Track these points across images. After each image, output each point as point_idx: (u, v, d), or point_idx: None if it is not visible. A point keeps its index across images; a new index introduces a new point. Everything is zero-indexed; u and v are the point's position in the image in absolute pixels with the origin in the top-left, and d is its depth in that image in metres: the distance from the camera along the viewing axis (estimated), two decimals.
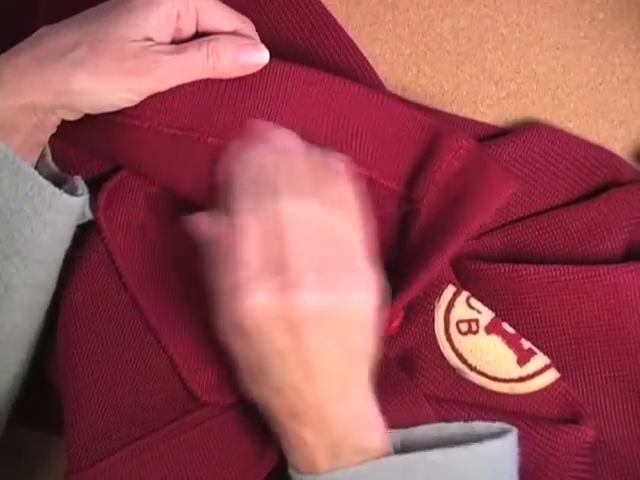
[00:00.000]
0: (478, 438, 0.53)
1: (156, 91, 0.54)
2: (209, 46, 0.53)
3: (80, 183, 0.56)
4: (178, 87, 0.54)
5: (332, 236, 0.51)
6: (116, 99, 0.53)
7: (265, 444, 0.55)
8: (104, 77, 0.52)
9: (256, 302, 0.48)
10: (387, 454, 0.51)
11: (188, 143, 0.55)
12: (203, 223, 0.52)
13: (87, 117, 0.54)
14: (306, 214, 0.51)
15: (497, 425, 0.54)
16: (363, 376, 0.52)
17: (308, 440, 0.51)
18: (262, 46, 0.55)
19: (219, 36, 0.54)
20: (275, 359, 0.50)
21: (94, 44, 0.52)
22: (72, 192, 0.55)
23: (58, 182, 0.55)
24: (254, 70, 0.55)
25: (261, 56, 0.55)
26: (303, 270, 0.49)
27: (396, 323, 0.58)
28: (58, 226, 0.54)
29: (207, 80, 0.54)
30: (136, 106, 0.54)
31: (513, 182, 0.55)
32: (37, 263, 0.54)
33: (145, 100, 0.53)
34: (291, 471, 0.53)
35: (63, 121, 0.55)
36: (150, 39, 0.53)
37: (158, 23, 0.53)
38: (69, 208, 0.54)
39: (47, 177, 0.54)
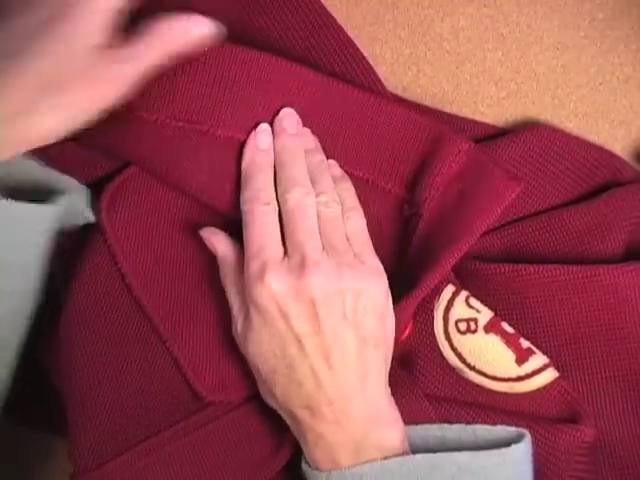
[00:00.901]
0: (484, 442, 0.53)
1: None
2: (161, 38, 0.50)
3: (71, 187, 0.56)
4: (186, 80, 0.54)
5: (342, 228, 0.54)
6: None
7: (272, 443, 0.55)
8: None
9: (277, 284, 0.51)
10: (406, 452, 0.52)
11: (195, 136, 0.55)
12: (217, 241, 0.55)
13: None
14: (319, 206, 0.53)
15: (499, 428, 0.54)
16: (379, 369, 0.53)
17: (329, 438, 0.51)
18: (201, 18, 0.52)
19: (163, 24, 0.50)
20: (294, 346, 0.51)
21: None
22: (52, 198, 0.53)
23: (45, 187, 0.54)
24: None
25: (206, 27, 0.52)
26: (319, 254, 0.51)
27: (407, 332, 0.58)
28: (20, 235, 0.52)
29: (212, 75, 0.54)
30: (143, 98, 0.53)
31: (515, 185, 0.55)
32: (4, 270, 0.53)
33: (152, 92, 0.53)
34: (308, 469, 0.53)
35: None
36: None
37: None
38: (32, 217, 0.52)
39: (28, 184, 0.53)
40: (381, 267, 0.54)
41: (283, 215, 0.53)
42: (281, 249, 0.52)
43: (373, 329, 0.52)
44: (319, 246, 0.52)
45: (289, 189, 0.53)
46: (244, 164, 0.55)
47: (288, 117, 0.56)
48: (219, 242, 0.55)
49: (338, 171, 0.57)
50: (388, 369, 0.54)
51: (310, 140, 0.56)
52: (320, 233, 0.53)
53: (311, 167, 0.55)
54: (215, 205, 0.56)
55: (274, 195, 0.54)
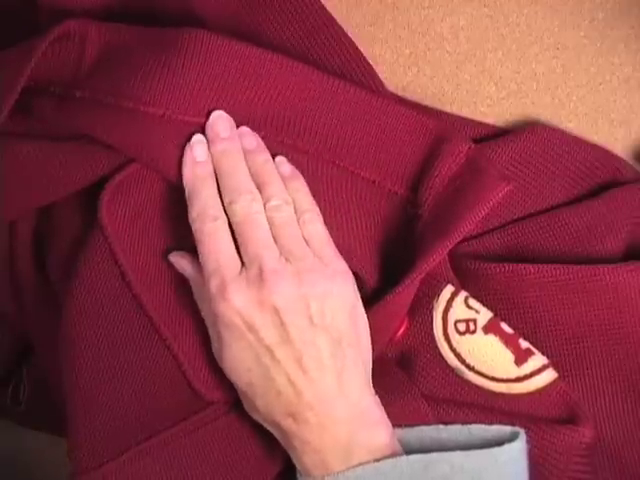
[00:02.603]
0: (480, 441, 0.53)
1: None
2: None
3: None
4: (190, 76, 0.54)
5: (297, 231, 0.53)
6: None
7: (275, 441, 0.55)
8: None
9: (238, 298, 0.50)
10: (396, 450, 0.52)
11: (199, 132, 0.55)
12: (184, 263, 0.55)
13: (93, 104, 0.54)
14: (270, 211, 0.53)
15: (494, 427, 0.54)
16: (357, 368, 0.52)
17: (316, 443, 0.51)
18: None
19: None
20: (266, 357, 0.51)
21: None
22: None
23: None
24: None
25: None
26: (276, 263, 0.51)
27: (401, 331, 0.58)
28: None
29: (215, 71, 0.54)
30: (150, 92, 0.53)
31: (504, 185, 0.55)
32: None
33: (157, 86, 0.53)
34: (301, 478, 0.53)
35: (68, 112, 0.55)
36: None
37: None
38: None
39: None
40: (345, 266, 0.54)
41: (234, 227, 0.52)
42: (237, 263, 0.52)
43: (344, 329, 0.52)
44: (275, 254, 0.52)
45: (234, 199, 0.52)
46: (185, 180, 0.54)
47: (219, 121, 0.54)
48: (187, 265, 0.55)
49: (287, 168, 0.55)
50: (369, 368, 0.54)
51: (251, 140, 0.55)
52: (275, 239, 0.52)
53: (256, 169, 0.54)
54: None
55: (221, 207, 0.53)
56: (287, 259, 0.52)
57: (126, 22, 0.57)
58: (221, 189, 0.53)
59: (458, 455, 0.51)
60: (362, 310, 0.54)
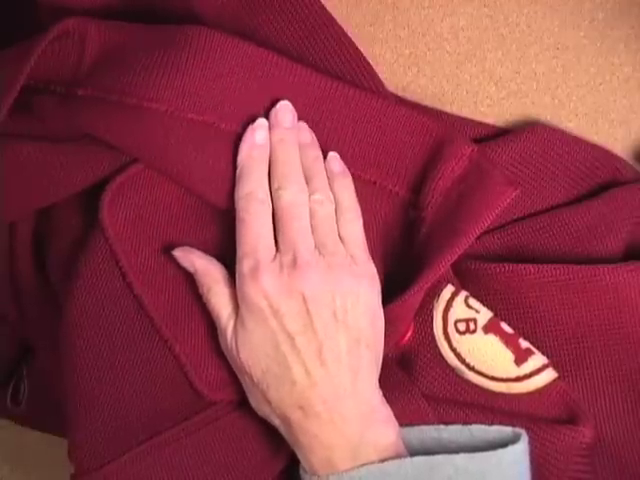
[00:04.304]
0: (481, 442, 0.53)
1: None
2: None
3: None
4: (194, 72, 0.54)
5: (334, 228, 0.54)
6: None
7: (275, 442, 0.55)
8: None
9: (268, 282, 0.51)
10: (401, 450, 0.52)
11: (202, 129, 0.55)
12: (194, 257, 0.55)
13: (96, 102, 0.54)
14: (313, 204, 0.54)
15: (495, 428, 0.54)
16: (371, 369, 0.53)
17: (324, 439, 0.51)
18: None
19: None
20: (286, 344, 0.52)
21: None
22: None
23: None
24: None
25: None
26: (310, 255, 0.52)
27: (407, 336, 0.58)
28: None
29: (217, 68, 0.54)
30: (153, 88, 0.53)
31: (511, 190, 0.55)
32: None
33: (161, 83, 0.53)
34: (305, 476, 0.53)
35: (70, 110, 0.55)
36: None
37: None
38: None
39: None
40: (374, 270, 0.55)
41: (276, 211, 0.53)
42: (273, 248, 0.53)
43: (365, 330, 0.53)
44: (311, 246, 0.53)
45: (283, 186, 0.54)
46: (240, 159, 0.55)
47: (284, 110, 0.56)
48: (196, 259, 0.55)
49: (338, 166, 0.56)
50: (379, 371, 0.54)
51: (307, 135, 0.56)
52: (313, 232, 0.53)
53: (306, 163, 0.55)
54: (217, 202, 0.56)
55: (269, 192, 0.54)
56: (321, 252, 0.53)
57: (126, 22, 0.57)
58: (272, 174, 0.54)
59: (462, 458, 0.51)
60: (382, 315, 0.54)
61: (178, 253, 0.55)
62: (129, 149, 0.55)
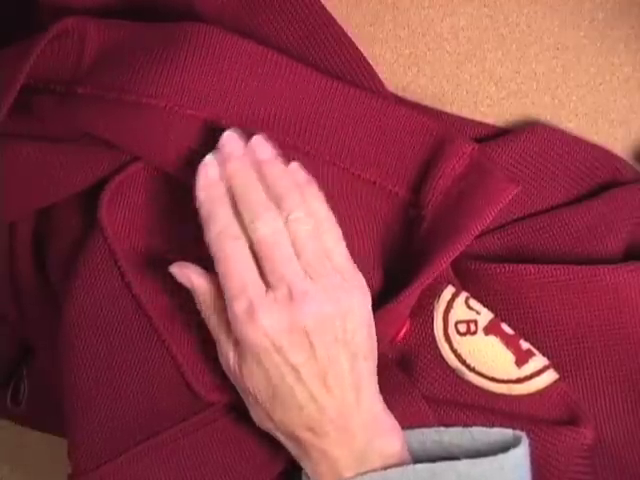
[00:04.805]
0: (482, 445, 0.53)
1: None
2: None
3: None
4: (193, 69, 0.54)
5: (320, 245, 0.52)
6: None
7: (276, 443, 0.55)
8: None
9: (268, 320, 0.50)
10: (406, 458, 0.52)
11: (202, 127, 0.55)
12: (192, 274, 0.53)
13: (95, 100, 0.54)
14: (292, 225, 0.51)
15: (496, 431, 0.54)
16: (371, 379, 0.53)
17: (333, 452, 0.51)
18: None
19: None
20: (291, 376, 0.51)
21: None
22: None
23: None
24: None
25: None
26: (303, 283, 0.50)
27: (402, 333, 0.58)
28: None
29: (218, 65, 0.54)
30: (152, 84, 0.53)
31: (513, 188, 0.55)
32: None
33: (162, 78, 0.53)
34: None
35: (69, 109, 0.55)
36: None
37: None
38: None
39: None
40: (362, 280, 0.53)
41: (255, 246, 0.51)
42: (262, 283, 0.51)
43: (361, 343, 0.52)
44: (301, 273, 0.50)
45: (254, 218, 0.51)
46: (199, 203, 0.52)
47: (229, 141, 0.53)
48: (192, 274, 0.53)
49: (302, 176, 0.54)
50: (377, 377, 0.53)
51: (265, 150, 0.53)
52: (297, 254, 0.51)
53: (272, 181, 0.52)
54: None
55: (239, 226, 0.51)
56: (312, 276, 0.51)
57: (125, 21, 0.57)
58: (239, 209, 0.52)
59: (465, 464, 0.51)
60: (373, 323, 0.53)
61: (175, 269, 0.53)
62: (128, 146, 0.55)
